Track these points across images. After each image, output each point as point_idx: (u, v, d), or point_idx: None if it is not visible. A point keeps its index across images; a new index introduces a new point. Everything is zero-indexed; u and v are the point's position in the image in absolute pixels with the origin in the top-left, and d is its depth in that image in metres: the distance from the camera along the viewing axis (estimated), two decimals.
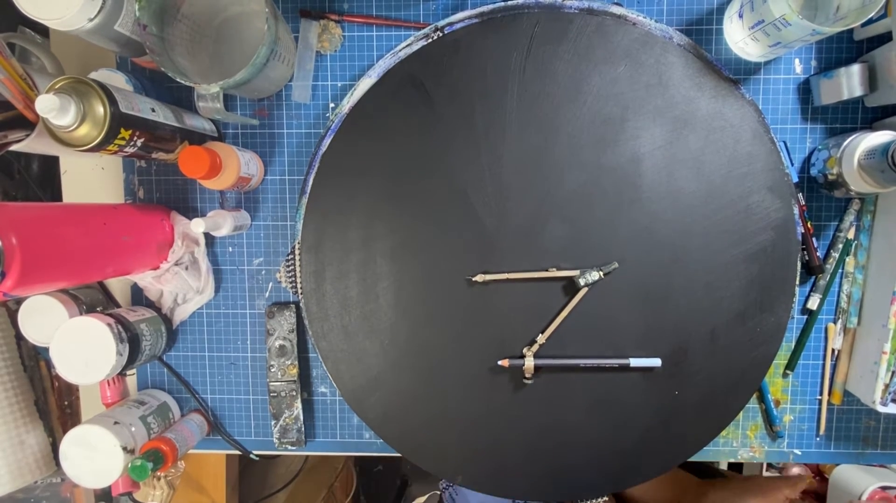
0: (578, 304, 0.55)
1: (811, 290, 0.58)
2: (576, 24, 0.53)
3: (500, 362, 0.56)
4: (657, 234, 0.55)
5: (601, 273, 0.54)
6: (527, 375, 0.55)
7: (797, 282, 0.55)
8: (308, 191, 0.56)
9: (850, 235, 0.58)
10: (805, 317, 0.59)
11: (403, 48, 0.55)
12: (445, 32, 0.54)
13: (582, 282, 0.54)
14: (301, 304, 0.57)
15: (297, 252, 0.56)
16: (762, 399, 0.60)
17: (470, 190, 0.55)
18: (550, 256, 0.55)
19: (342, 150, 0.55)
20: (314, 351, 0.61)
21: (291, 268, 0.59)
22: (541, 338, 0.55)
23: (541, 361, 0.55)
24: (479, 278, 0.55)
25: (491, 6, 0.54)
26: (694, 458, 0.59)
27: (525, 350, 0.56)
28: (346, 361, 0.57)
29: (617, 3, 0.54)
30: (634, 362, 0.55)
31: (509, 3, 0.54)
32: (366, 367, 0.57)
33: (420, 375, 0.57)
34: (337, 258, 0.56)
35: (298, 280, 0.56)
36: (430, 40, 0.54)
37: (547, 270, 0.55)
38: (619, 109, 0.54)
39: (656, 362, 0.55)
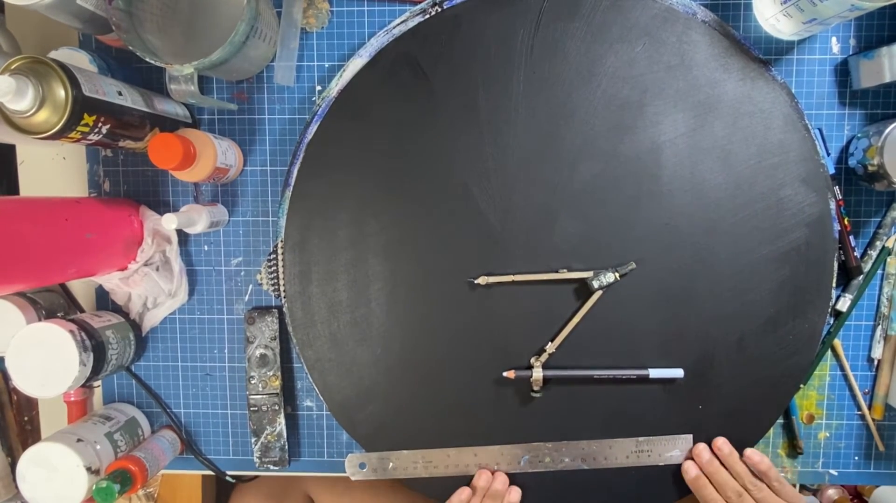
0: (592, 309, 0.55)
1: (843, 291, 0.58)
2: None
3: (504, 373, 0.55)
4: (679, 231, 0.54)
5: (617, 274, 0.54)
6: (535, 388, 0.55)
7: (833, 285, 0.55)
8: (292, 183, 0.56)
9: (893, 233, 0.57)
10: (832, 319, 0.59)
11: (398, 25, 0.54)
12: (445, 7, 0.54)
13: (596, 284, 0.54)
14: (284, 309, 0.57)
15: (279, 251, 0.56)
16: (786, 409, 0.60)
17: (472, 182, 0.55)
18: (561, 256, 0.55)
19: (330, 138, 0.55)
20: (299, 360, 0.61)
21: (273, 269, 0.59)
22: (550, 347, 0.55)
23: (550, 372, 0.55)
24: (481, 280, 0.55)
25: None
26: None
27: (533, 360, 0.55)
28: (334, 372, 0.57)
29: None
30: (654, 373, 0.55)
31: None
32: (356, 379, 0.57)
33: (416, 388, 0.56)
34: (324, 258, 0.56)
35: (281, 282, 0.56)
36: (427, 16, 0.54)
37: (557, 272, 0.55)
38: (637, 93, 0.54)
39: (678, 373, 0.55)
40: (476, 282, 0.55)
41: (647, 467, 0.56)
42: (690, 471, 0.55)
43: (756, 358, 0.55)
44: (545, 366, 0.55)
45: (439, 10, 0.54)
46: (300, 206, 0.56)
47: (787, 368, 0.55)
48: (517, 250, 0.55)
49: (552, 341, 0.55)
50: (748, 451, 0.54)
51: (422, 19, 0.54)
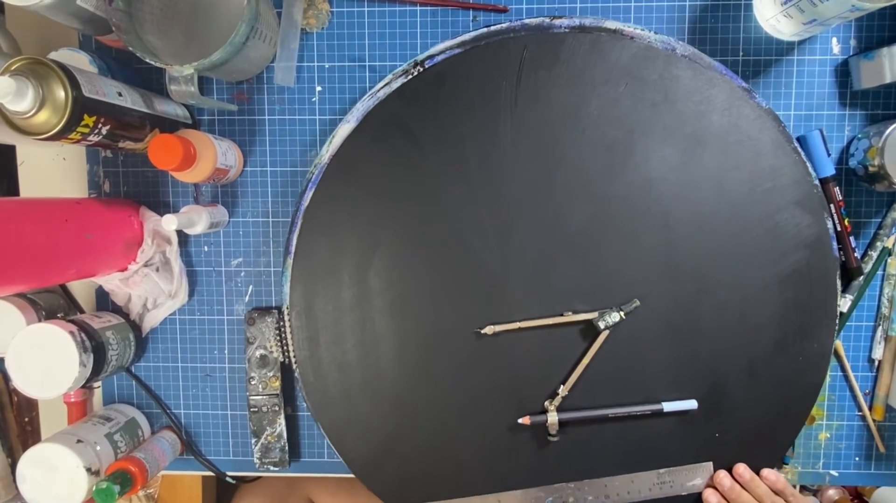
0: (600, 349, 0.54)
1: (843, 292, 0.58)
2: (567, 44, 0.53)
3: (520, 420, 0.55)
4: (679, 264, 0.54)
5: (622, 313, 0.53)
6: (551, 432, 0.54)
7: (839, 302, 0.54)
8: (293, 251, 0.55)
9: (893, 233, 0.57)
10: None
11: (382, 87, 0.54)
12: (426, 67, 0.54)
13: (602, 324, 0.53)
14: (296, 375, 0.56)
15: (286, 318, 0.56)
16: None
17: (469, 234, 0.54)
18: (564, 299, 0.55)
19: (326, 203, 0.55)
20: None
21: (282, 335, 0.58)
22: (563, 390, 0.54)
23: (565, 415, 0.54)
24: (488, 330, 0.54)
25: (473, 33, 0.54)
26: None
27: (547, 404, 0.55)
28: (351, 433, 0.56)
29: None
30: (668, 407, 0.54)
31: (493, 28, 0.54)
32: (374, 437, 0.56)
33: (434, 441, 0.56)
34: (331, 321, 0.55)
35: (291, 348, 0.56)
36: (410, 76, 0.54)
37: (562, 315, 0.54)
38: (623, 133, 0.53)
39: (692, 404, 0.55)
40: (483, 331, 0.55)
41: (671, 498, 0.56)
42: (711, 499, 0.55)
43: (768, 382, 0.54)
44: (559, 409, 0.54)
45: (421, 69, 0.54)
46: (302, 273, 0.55)
47: (799, 389, 0.55)
48: (521, 297, 0.55)
49: (564, 384, 0.55)
50: (765, 472, 0.55)
51: (404, 80, 0.54)
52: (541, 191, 0.54)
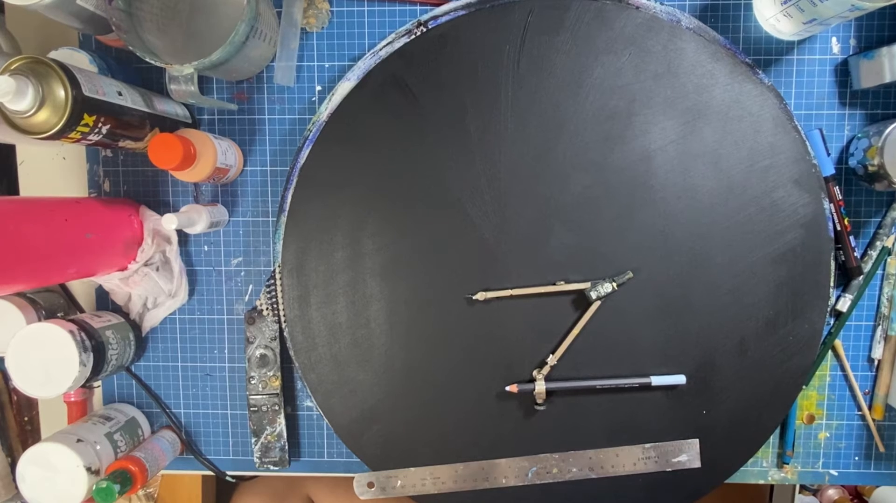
0: (591, 320, 0.54)
1: (843, 291, 0.58)
2: (573, 10, 0.53)
3: (507, 388, 0.55)
4: (674, 237, 0.54)
5: (614, 284, 0.54)
6: (538, 401, 0.54)
7: (832, 285, 0.54)
8: (287, 208, 0.55)
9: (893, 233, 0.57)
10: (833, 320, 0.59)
11: (384, 46, 0.54)
12: (430, 27, 0.54)
13: (594, 295, 0.54)
14: (285, 334, 0.56)
15: (277, 276, 0.56)
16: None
17: (465, 199, 0.55)
18: (557, 268, 0.55)
19: (322, 161, 0.55)
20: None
21: (272, 293, 0.58)
22: (551, 360, 0.55)
23: (553, 385, 0.55)
24: (479, 296, 0.55)
25: None
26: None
27: (535, 373, 0.55)
28: (337, 394, 0.56)
29: None
30: (656, 380, 0.54)
31: None
32: (360, 400, 0.56)
33: (420, 406, 0.56)
34: (322, 280, 0.55)
35: (281, 307, 0.56)
36: (412, 37, 0.54)
37: (554, 284, 0.55)
38: (625, 103, 0.53)
39: (680, 379, 0.55)
40: (474, 297, 0.55)
41: (655, 473, 0.56)
42: None
43: (757, 360, 0.55)
44: (547, 379, 0.55)
45: (424, 29, 0.54)
46: (296, 231, 0.55)
47: (788, 369, 0.55)
48: (514, 264, 0.55)
49: (553, 353, 0.55)
50: None
51: (407, 40, 0.54)
52: (539, 158, 0.54)
